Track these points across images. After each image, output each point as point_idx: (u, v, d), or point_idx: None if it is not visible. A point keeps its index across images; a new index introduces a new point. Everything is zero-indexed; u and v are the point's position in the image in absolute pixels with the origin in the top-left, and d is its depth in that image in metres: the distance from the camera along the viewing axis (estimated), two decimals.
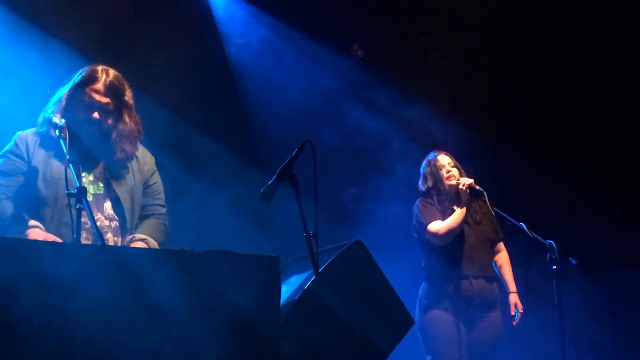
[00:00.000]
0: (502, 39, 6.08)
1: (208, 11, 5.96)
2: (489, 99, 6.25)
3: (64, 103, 3.46)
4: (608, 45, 5.96)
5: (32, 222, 3.31)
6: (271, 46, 6.02)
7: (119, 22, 5.49)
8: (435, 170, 4.86)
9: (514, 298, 4.75)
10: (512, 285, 4.79)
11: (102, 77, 3.43)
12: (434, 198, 4.83)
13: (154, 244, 3.49)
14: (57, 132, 3.27)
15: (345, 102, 6.10)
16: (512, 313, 4.73)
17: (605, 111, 6.10)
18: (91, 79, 3.43)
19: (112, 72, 3.48)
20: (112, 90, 3.44)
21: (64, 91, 3.51)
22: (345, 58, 6.22)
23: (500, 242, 4.91)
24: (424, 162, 4.97)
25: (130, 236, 3.48)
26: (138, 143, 3.59)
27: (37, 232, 3.26)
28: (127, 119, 3.50)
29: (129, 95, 3.51)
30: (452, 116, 5.94)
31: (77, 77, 3.48)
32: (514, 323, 4.75)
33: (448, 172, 4.83)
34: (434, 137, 5.78)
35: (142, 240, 3.46)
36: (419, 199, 4.87)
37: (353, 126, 6.06)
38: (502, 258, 4.88)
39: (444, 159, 4.90)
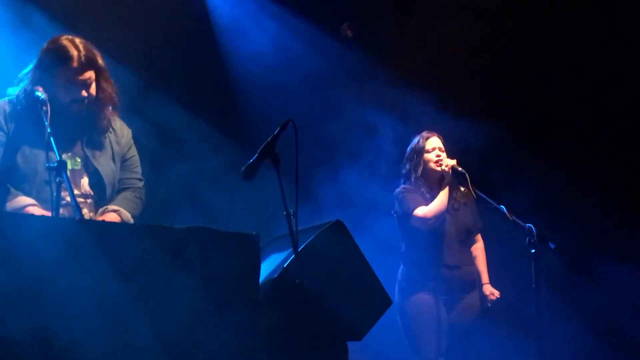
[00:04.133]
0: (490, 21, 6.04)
1: None
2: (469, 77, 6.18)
3: (38, 83, 3.31)
4: None
5: (27, 200, 3.26)
6: (257, 21, 5.93)
7: None
8: (423, 149, 4.78)
9: (488, 289, 4.79)
10: (485, 277, 4.82)
11: (75, 54, 3.31)
12: (412, 180, 4.79)
13: (127, 215, 3.45)
14: (39, 105, 3.17)
15: (330, 83, 6.04)
16: (489, 301, 4.74)
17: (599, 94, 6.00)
18: (64, 59, 3.30)
19: (79, 42, 3.36)
20: (89, 63, 3.35)
21: (31, 69, 3.37)
22: (331, 38, 6.14)
23: (478, 233, 4.92)
24: (414, 140, 4.88)
25: (103, 207, 3.43)
26: (116, 109, 3.54)
27: (40, 212, 3.20)
28: (104, 85, 3.44)
29: (101, 60, 3.43)
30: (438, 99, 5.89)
31: (46, 59, 3.33)
32: (489, 305, 4.77)
33: (438, 156, 4.77)
34: (419, 120, 5.71)
35: (115, 211, 3.42)
36: (400, 186, 4.83)
37: (336, 108, 6.00)
38: (478, 249, 4.89)
39: (435, 142, 4.83)
